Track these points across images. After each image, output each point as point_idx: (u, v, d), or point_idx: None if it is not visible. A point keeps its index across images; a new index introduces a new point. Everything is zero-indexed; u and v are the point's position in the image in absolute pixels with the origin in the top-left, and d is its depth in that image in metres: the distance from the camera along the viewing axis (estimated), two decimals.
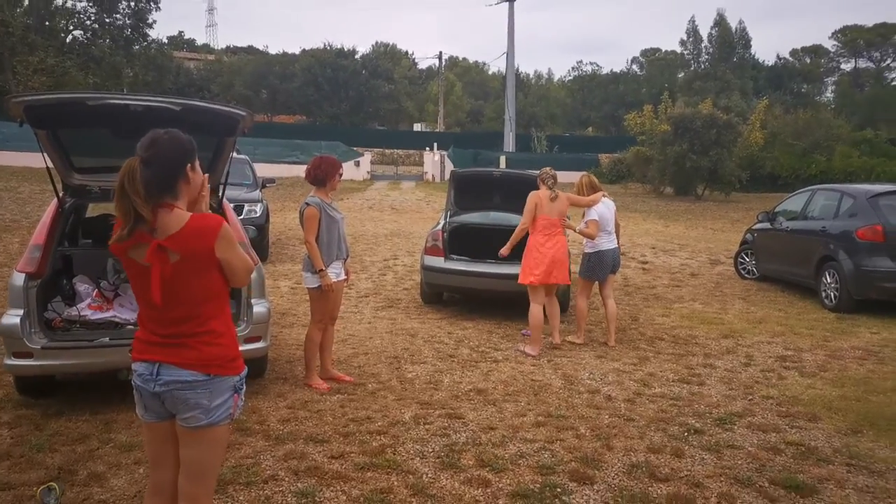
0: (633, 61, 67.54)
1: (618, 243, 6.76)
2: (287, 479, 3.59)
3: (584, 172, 6.99)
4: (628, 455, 4.00)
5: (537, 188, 6.40)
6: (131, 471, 3.63)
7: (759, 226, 10.60)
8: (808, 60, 58.52)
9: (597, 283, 6.73)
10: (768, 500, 3.50)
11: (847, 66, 58.69)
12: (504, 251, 6.48)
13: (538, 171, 6.60)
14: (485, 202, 8.41)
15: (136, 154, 2.26)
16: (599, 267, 6.58)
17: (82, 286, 5.11)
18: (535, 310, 6.20)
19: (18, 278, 4.41)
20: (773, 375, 5.69)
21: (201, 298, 2.34)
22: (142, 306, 2.40)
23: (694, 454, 4.05)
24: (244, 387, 2.46)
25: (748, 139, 26.08)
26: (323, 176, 4.99)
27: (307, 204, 4.96)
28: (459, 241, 7.83)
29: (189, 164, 2.35)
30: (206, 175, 2.49)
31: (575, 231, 6.55)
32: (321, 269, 4.92)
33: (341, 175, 5.13)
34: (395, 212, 20.33)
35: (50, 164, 4.81)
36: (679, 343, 6.70)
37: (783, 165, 28.17)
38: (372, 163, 36.63)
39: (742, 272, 10.73)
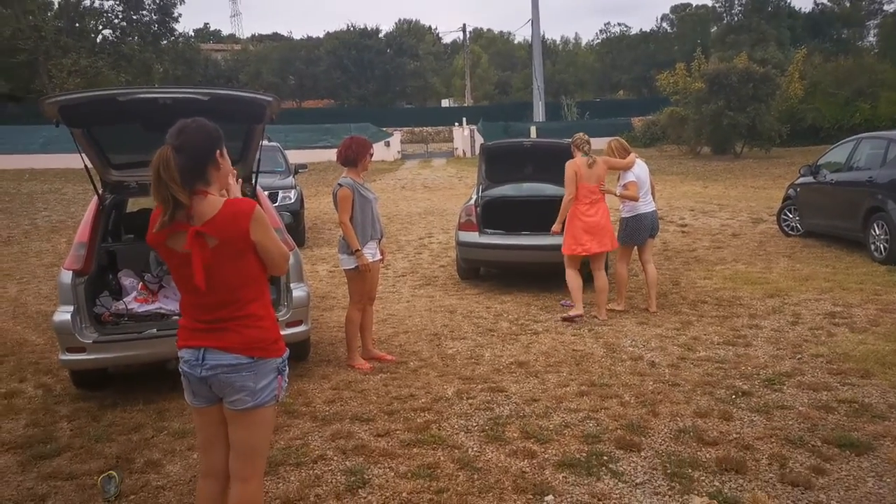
0: (662, 19, 65.79)
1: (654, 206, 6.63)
2: (336, 458, 3.66)
3: (614, 137, 6.83)
4: (675, 420, 3.96)
5: (570, 156, 6.31)
6: (185, 457, 3.74)
7: (801, 180, 10.28)
8: (848, 4, 55.97)
9: (636, 248, 6.63)
10: (822, 459, 3.43)
11: (890, 8, 55.94)
12: (556, 228, 6.40)
13: (570, 139, 6.50)
14: (517, 174, 8.32)
15: (166, 143, 2.29)
16: (638, 231, 6.46)
17: (127, 280, 5.25)
18: (572, 273, 6.26)
19: (66, 276, 4.55)
20: (823, 333, 5.55)
21: (240, 283, 2.38)
22: (183, 294, 2.45)
23: (742, 416, 3.98)
24: (287, 368, 2.51)
25: (787, 91, 25.16)
26: (354, 156, 5.00)
27: (340, 185, 4.99)
28: (493, 214, 7.79)
29: (218, 151, 2.39)
30: (234, 169, 2.52)
31: (616, 195, 6.44)
32: (357, 250, 4.95)
33: (372, 155, 5.14)
34: (427, 190, 20.31)
35: (88, 163, 4.92)
36: (723, 305, 6.58)
37: (825, 116, 27.12)
38: (402, 142, 36.54)
39: (786, 229, 10.44)
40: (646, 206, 6.46)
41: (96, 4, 39.60)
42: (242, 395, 2.39)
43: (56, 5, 38.16)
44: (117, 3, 39.48)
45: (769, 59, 28.56)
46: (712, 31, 53.25)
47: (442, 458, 3.60)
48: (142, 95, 4.33)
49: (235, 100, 4.61)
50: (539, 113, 40.38)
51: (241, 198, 2.43)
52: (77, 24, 38.26)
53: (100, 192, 5.07)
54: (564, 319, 6.22)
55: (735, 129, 24.62)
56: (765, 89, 24.15)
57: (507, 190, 8.15)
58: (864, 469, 3.32)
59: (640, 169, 6.46)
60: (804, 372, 4.67)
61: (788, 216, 10.45)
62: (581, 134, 6.43)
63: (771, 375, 4.62)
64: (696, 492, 3.18)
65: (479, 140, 33.76)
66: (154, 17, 40.96)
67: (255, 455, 2.48)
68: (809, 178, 9.95)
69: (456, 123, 36.82)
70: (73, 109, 4.37)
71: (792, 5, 51.96)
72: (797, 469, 3.35)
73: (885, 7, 54.86)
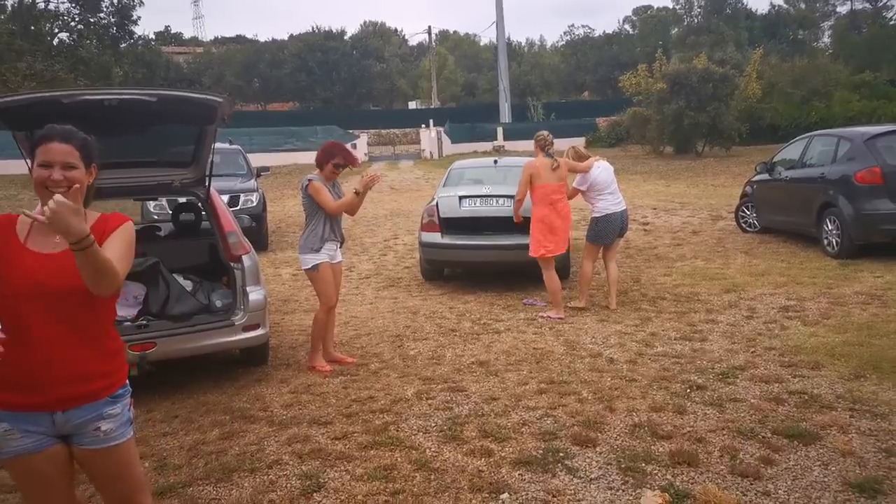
0: (625, 21, 66.43)
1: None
2: (291, 462, 3.62)
3: (570, 146, 6.88)
4: (630, 415, 4.00)
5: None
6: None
7: (758, 177, 10.49)
8: (804, 6, 57.40)
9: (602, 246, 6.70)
10: (771, 450, 3.49)
11: (843, 9, 57.55)
12: (517, 220, 6.58)
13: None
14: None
15: None
16: (607, 230, 6.54)
17: None
18: (549, 275, 6.35)
19: None
20: (776, 326, 5.67)
21: None
22: None
23: (696, 410, 4.04)
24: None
25: (745, 91, 25.70)
26: (321, 159, 5.10)
27: (309, 180, 4.99)
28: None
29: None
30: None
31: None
32: (356, 191, 4.95)
33: (337, 165, 5.08)
34: (393, 192, 20.25)
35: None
36: (681, 301, 6.68)
37: (782, 115, 27.79)
38: (369, 144, 36.45)
39: (743, 226, 10.66)
40: (615, 205, 6.55)
41: (51, 7, 38.64)
42: None
43: (9, 8, 37.10)
44: (73, 5, 38.55)
45: (728, 59, 29.08)
46: (673, 32, 54.14)
47: (399, 460, 3.58)
48: (87, 97, 4.21)
49: (184, 101, 4.51)
50: (505, 114, 40.66)
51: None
52: (32, 28, 37.20)
53: None
54: (543, 317, 6.29)
55: (696, 129, 25.09)
56: (724, 89, 24.65)
57: (469, 189, 8.16)
58: (811, 458, 3.40)
59: (599, 171, 6.52)
60: (757, 365, 4.77)
61: (746, 213, 10.66)
62: (544, 132, 6.45)
63: (725, 369, 4.70)
64: (648, 485, 3.21)
65: (447, 141, 33.86)
66: (112, 20, 40.01)
67: None
68: (765, 176, 10.17)
69: (423, 125, 36.83)
70: (17, 112, 4.23)
71: (749, 7, 53.17)
72: (747, 460, 3.41)
73: (839, 9, 56.49)
